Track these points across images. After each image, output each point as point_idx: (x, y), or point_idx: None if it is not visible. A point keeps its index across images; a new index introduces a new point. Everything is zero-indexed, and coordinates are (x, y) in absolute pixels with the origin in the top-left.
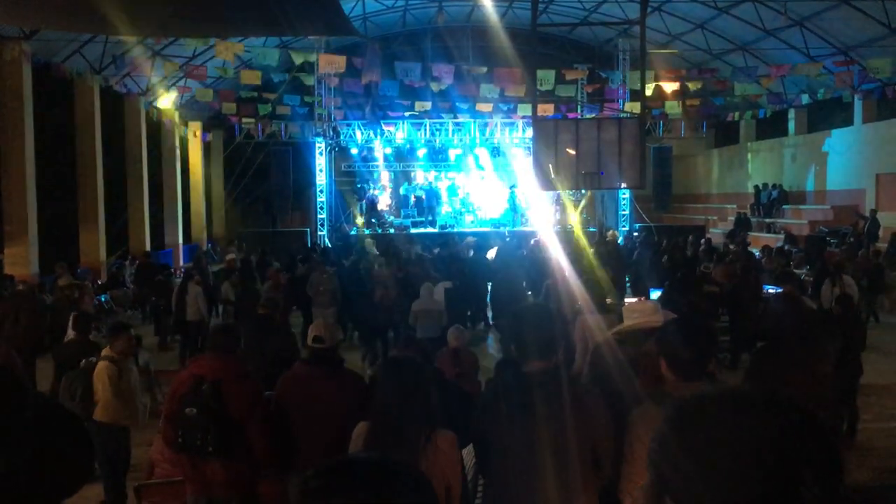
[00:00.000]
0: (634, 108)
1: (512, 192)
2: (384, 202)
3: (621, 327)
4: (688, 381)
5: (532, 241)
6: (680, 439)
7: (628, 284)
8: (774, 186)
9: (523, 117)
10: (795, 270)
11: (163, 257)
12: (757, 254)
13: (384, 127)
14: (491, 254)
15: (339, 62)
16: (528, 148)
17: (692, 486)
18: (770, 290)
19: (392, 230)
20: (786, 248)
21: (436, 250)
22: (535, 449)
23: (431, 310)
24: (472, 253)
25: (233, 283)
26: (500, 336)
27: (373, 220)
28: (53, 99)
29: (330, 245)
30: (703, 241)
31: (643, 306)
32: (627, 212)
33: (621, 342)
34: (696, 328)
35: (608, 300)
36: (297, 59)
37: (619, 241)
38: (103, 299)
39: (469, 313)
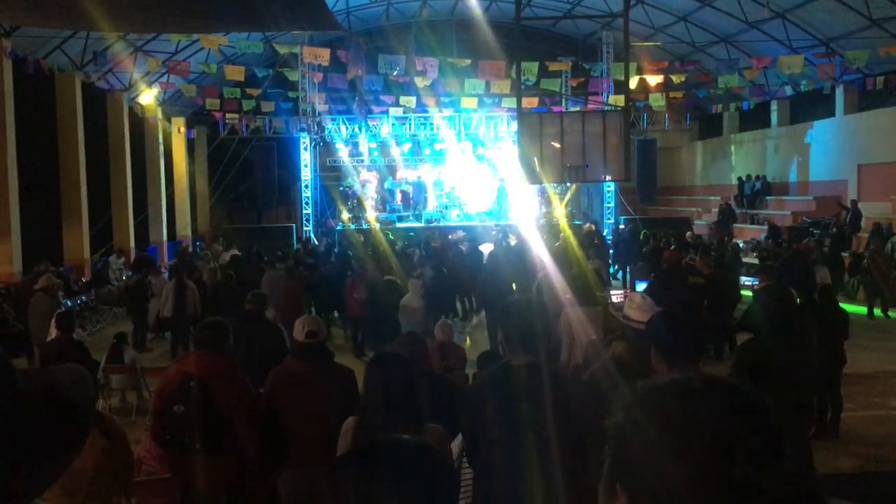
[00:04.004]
0: (618, 100)
1: (501, 187)
2: (370, 197)
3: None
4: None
5: (516, 235)
6: (629, 426)
7: (614, 276)
8: (758, 178)
9: (508, 110)
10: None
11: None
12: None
13: (369, 121)
14: (486, 248)
15: (324, 54)
16: (514, 141)
17: (637, 471)
18: (748, 282)
19: (378, 225)
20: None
21: (416, 254)
22: (522, 441)
23: (409, 306)
24: (465, 246)
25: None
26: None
27: (359, 216)
28: (35, 95)
29: (315, 240)
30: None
31: (642, 301)
32: (613, 204)
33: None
34: (683, 320)
35: (594, 293)
36: (282, 51)
37: (602, 233)
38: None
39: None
